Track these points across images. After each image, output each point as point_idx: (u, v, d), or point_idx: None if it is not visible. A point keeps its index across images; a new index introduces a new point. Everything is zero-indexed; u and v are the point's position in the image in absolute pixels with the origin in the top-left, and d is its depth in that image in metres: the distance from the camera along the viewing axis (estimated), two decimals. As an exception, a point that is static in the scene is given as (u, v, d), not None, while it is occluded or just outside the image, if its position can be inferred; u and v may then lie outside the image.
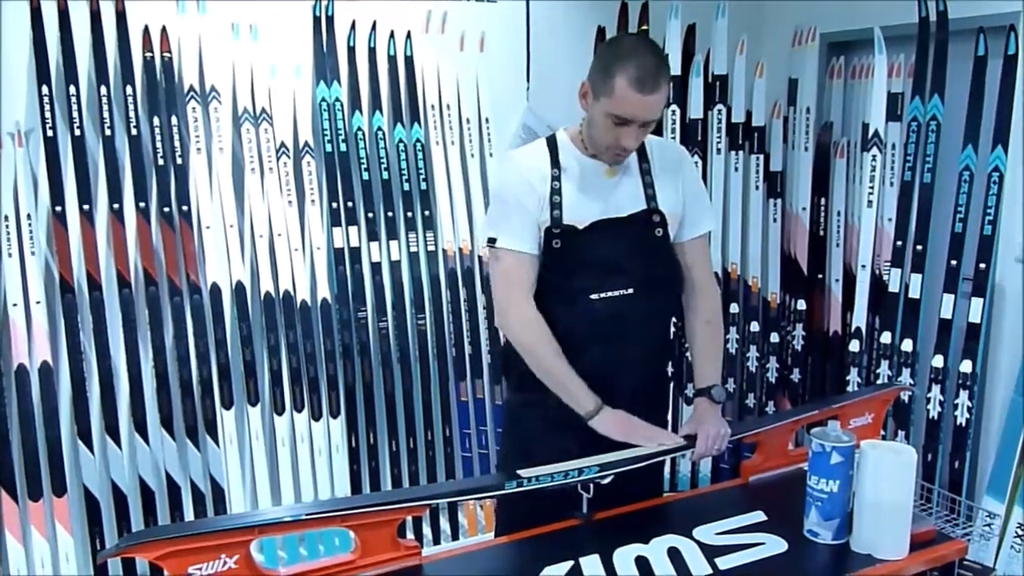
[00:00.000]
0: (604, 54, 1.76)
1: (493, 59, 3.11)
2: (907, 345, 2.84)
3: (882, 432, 2.20)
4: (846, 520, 1.66)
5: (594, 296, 1.81)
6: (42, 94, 2.44)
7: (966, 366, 2.69)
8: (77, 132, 2.50)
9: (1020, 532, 2.55)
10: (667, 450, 1.85)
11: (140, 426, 2.62)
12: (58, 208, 2.49)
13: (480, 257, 3.04)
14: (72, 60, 2.48)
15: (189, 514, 2.72)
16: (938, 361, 2.76)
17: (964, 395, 2.70)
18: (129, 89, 2.56)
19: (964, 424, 2.70)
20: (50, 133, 2.46)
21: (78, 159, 2.51)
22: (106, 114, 2.53)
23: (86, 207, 2.52)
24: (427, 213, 3.01)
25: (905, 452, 1.63)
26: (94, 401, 2.57)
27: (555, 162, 1.83)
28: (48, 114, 2.45)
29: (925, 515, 1.83)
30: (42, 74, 2.44)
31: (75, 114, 2.49)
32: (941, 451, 2.76)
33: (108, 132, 2.54)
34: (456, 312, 3.05)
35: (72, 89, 2.48)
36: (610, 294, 1.82)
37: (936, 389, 2.76)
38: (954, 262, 2.74)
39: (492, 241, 1.83)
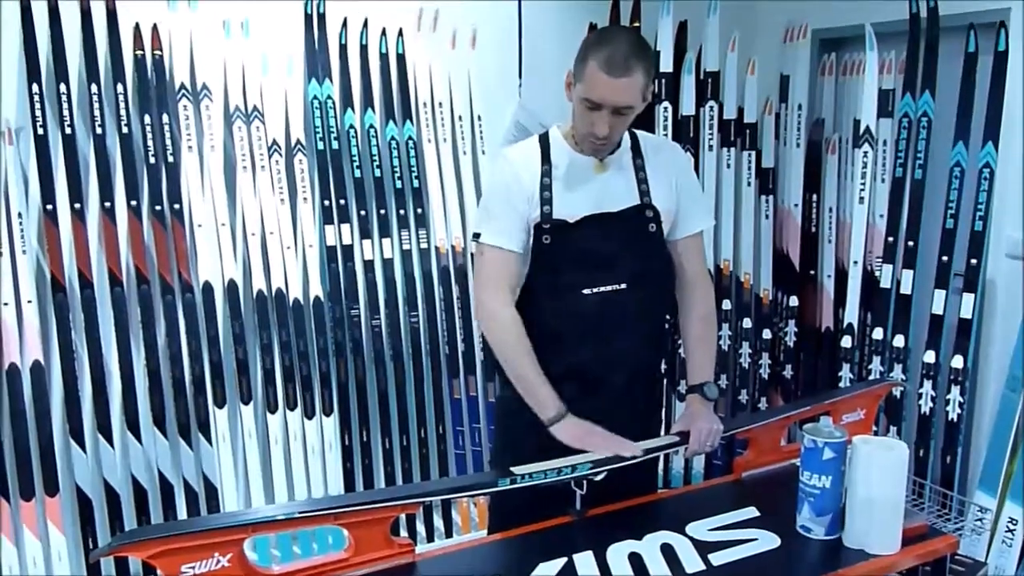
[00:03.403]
0: (585, 42, 1.77)
1: (485, 57, 3.11)
2: (899, 341, 2.85)
3: (874, 428, 2.21)
4: (838, 515, 1.67)
5: (586, 291, 1.81)
6: (32, 92, 2.43)
7: (957, 362, 2.70)
8: (68, 130, 2.49)
9: (1011, 527, 2.56)
10: (659, 447, 1.85)
11: (132, 425, 2.61)
12: (49, 207, 2.48)
13: (472, 255, 3.04)
14: (63, 58, 2.47)
15: (182, 513, 2.72)
16: (930, 357, 2.77)
17: (956, 391, 2.71)
18: (120, 87, 2.55)
19: (956, 419, 2.71)
20: (41, 131, 2.45)
21: (69, 157, 2.50)
22: (97, 112, 2.52)
23: (77, 205, 2.51)
24: (419, 211, 3.00)
25: (897, 448, 1.64)
26: (86, 400, 2.56)
27: (546, 158, 1.83)
28: (39, 112, 2.44)
29: (917, 510, 1.84)
30: (32, 72, 2.43)
31: (66, 112, 2.48)
32: (933, 446, 2.77)
33: (99, 130, 2.53)
34: (449, 310, 3.05)
35: (63, 87, 2.47)
36: (602, 289, 1.82)
37: (928, 385, 2.77)
38: (945, 258, 2.75)
39: (477, 236, 1.84)
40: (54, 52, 2.46)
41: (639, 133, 1.90)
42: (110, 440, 2.59)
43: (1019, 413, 2.59)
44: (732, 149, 3.21)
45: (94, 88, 2.52)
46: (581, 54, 1.73)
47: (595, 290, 1.81)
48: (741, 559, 1.61)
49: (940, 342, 2.76)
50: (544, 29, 3.20)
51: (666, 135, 3.16)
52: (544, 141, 1.86)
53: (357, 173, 2.90)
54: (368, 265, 2.94)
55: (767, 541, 1.67)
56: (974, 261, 2.69)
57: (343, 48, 2.88)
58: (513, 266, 1.82)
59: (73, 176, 2.51)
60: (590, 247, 1.82)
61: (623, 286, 1.83)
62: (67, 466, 2.55)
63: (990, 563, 2.54)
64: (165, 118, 2.62)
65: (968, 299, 2.70)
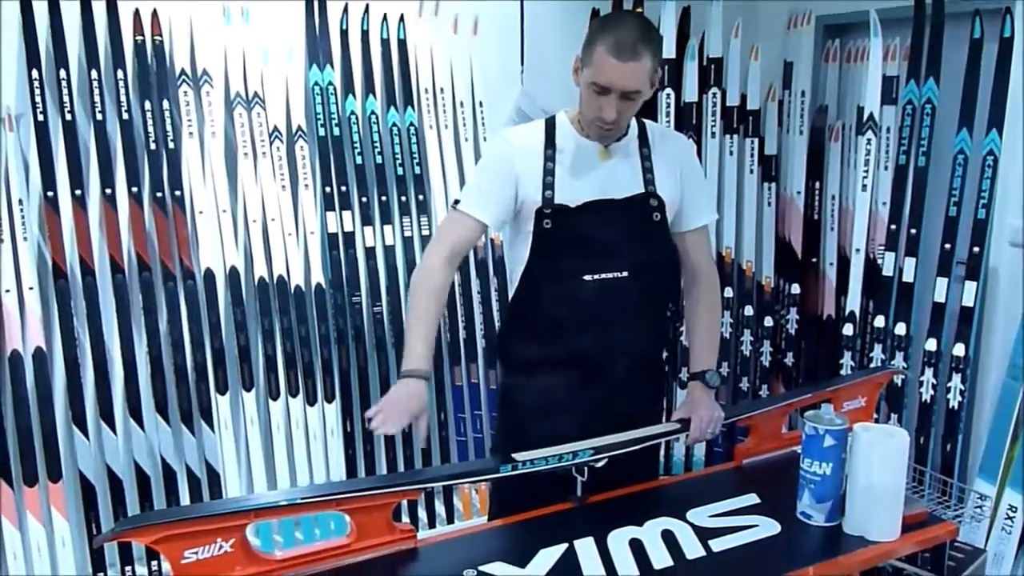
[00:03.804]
0: (592, 26, 1.78)
1: (487, 42, 3.10)
2: (900, 329, 2.85)
3: (875, 415, 2.21)
4: (839, 502, 1.67)
5: (587, 277, 1.81)
6: (32, 78, 2.43)
7: (959, 349, 2.70)
8: (68, 116, 2.48)
9: (1011, 514, 2.56)
10: (661, 433, 1.86)
11: (135, 411, 2.62)
12: (50, 193, 2.47)
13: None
14: (62, 44, 2.46)
15: (185, 499, 2.73)
16: (931, 344, 2.77)
17: (957, 378, 2.71)
18: (120, 73, 2.54)
19: (956, 407, 2.72)
20: (41, 118, 2.44)
21: (69, 144, 2.49)
22: (97, 98, 2.52)
23: (78, 192, 2.51)
24: (421, 197, 3.00)
25: (898, 435, 1.64)
26: (88, 386, 2.57)
27: (550, 142, 1.83)
28: (39, 98, 2.43)
29: (917, 497, 1.85)
30: (32, 58, 2.42)
31: (66, 98, 2.47)
32: (933, 434, 2.78)
33: (99, 116, 2.52)
34: (450, 297, 3.05)
35: (63, 73, 2.46)
36: (603, 276, 1.81)
37: (929, 372, 2.77)
38: (948, 246, 2.75)
39: (456, 203, 1.85)
40: (54, 38, 2.46)
41: (647, 122, 1.90)
42: (112, 426, 2.59)
43: (1020, 401, 2.59)
44: (735, 136, 3.20)
45: (94, 74, 2.51)
46: (589, 38, 1.72)
47: (596, 277, 1.81)
48: (741, 545, 1.61)
49: (942, 330, 2.76)
50: (546, 15, 3.18)
51: (668, 122, 3.15)
52: (550, 125, 1.86)
53: (358, 159, 2.90)
54: (370, 252, 2.93)
55: (767, 528, 1.67)
56: (976, 249, 2.68)
57: (344, 34, 2.87)
58: (468, 233, 1.83)
59: (74, 162, 2.50)
60: (591, 233, 1.81)
61: (624, 274, 1.82)
62: (70, 452, 2.56)
63: (989, 550, 2.54)
64: (165, 104, 2.62)
65: (970, 287, 2.69)
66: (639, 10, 3.13)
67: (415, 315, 1.80)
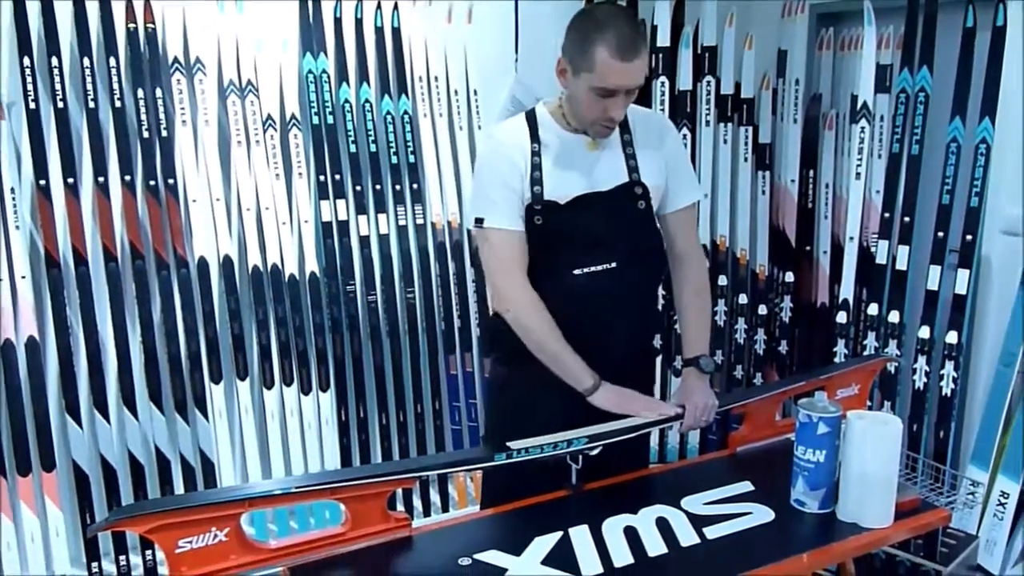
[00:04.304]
0: (578, 28, 1.72)
1: (481, 31, 3.09)
2: (894, 316, 2.86)
3: (868, 403, 2.22)
4: (832, 490, 1.68)
5: (577, 271, 1.80)
6: (24, 66, 2.41)
7: (952, 337, 2.71)
8: (60, 104, 2.47)
9: (1003, 500, 2.58)
10: (655, 421, 1.86)
11: (128, 401, 2.61)
12: (42, 182, 2.46)
13: (469, 231, 3.03)
14: (54, 31, 2.44)
15: (179, 488, 2.73)
16: (924, 332, 2.78)
17: (950, 366, 2.73)
18: (113, 61, 2.52)
19: (949, 394, 2.73)
20: (33, 106, 2.43)
21: (62, 132, 2.48)
22: (89, 86, 2.50)
23: (71, 180, 2.50)
24: (415, 186, 2.99)
25: (891, 422, 1.65)
26: (82, 376, 2.56)
27: (535, 137, 1.81)
28: (30, 86, 2.42)
29: (910, 484, 1.86)
30: (23, 46, 2.41)
31: (58, 86, 2.46)
32: (926, 421, 2.79)
33: (92, 104, 2.51)
34: (445, 285, 3.04)
35: (55, 61, 2.45)
36: (593, 268, 1.81)
37: (922, 360, 2.79)
38: (941, 234, 2.76)
39: (480, 222, 1.80)
40: (45, 25, 2.44)
41: None
42: (106, 416, 2.59)
43: (1012, 388, 2.60)
44: (729, 124, 3.20)
45: (86, 62, 2.49)
46: (580, 41, 1.68)
47: (585, 270, 1.81)
48: (735, 533, 1.62)
49: (935, 318, 2.77)
50: (540, 3, 3.17)
51: (663, 110, 3.15)
52: (531, 119, 1.84)
53: (352, 148, 2.89)
54: (364, 241, 2.93)
55: (761, 515, 1.68)
56: (969, 237, 2.69)
57: (338, 22, 2.86)
58: (521, 245, 1.80)
59: (66, 151, 2.49)
60: (580, 227, 1.81)
61: (613, 265, 1.82)
62: (63, 442, 2.56)
63: (981, 536, 2.56)
64: (159, 92, 2.60)
65: (963, 275, 2.70)
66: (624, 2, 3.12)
67: (554, 345, 1.79)
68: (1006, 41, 2.60)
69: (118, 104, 2.55)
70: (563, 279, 1.81)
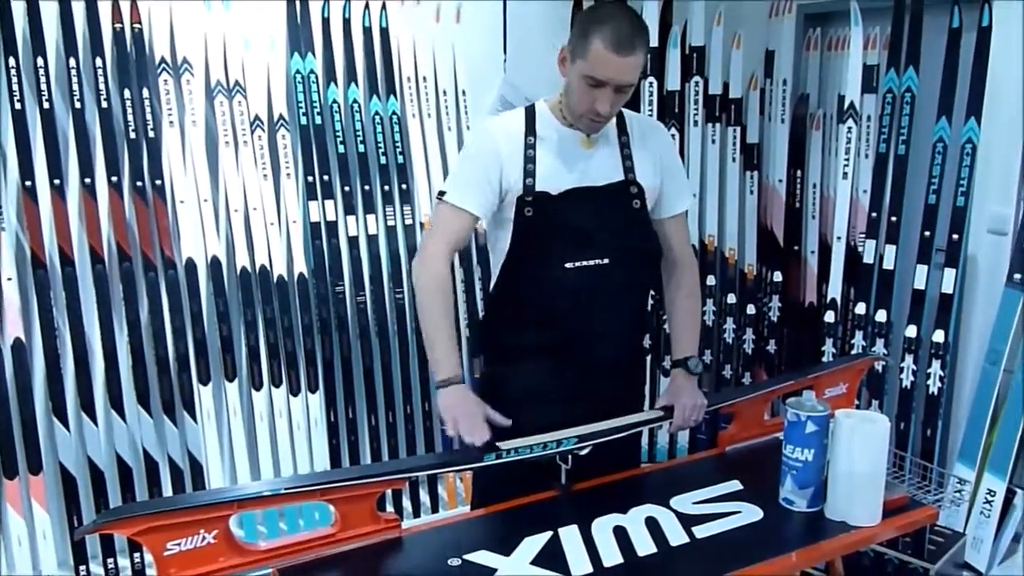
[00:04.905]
0: (583, 19, 1.76)
1: (470, 31, 3.09)
2: (881, 315, 2.87)
3: (856, 401, 2.23)
4: (821, 488, 1.69)
5: (568, 265, 1.81)
6: (8, 66, 2.39)
7: (939, 336, 2.73)
8: (46, 105, 2.45)
9: (990, 498, 2.60)
10: (645, 421, 1.87)
11: (116, 403, 2.60)
12: (28, 183, 2.44)
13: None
14: (39, 31, 2.43)
15: (167, 490, 2.71)
16: (911, 331, 2.80)
17: (936, 364, 2.74)
18: (99, 61, 2.51)
19: (936, 393, 2.75)
20: (18, 106, 2.41)
21: (47, 133, 2.47)
22: (75, 87, 2.49)
23: (57, 182, 2.48)
24: (404, 186, 2.99)
25: (878, 421, 1.66)
26: (69, 378, 2.55)
27: (531, 130, 1.82)
28: (15, 87, 2.40)
29: (898, 482, 1.86)
30: (8, 46, 2.39)
31: (43, 87, 2.44)
32: (914, 419, 2.81)
33: (78, 105, 2.50)
34: (434, 286, 3.03)
35: (40, 61, 2.43)
36: (585, 263, 1.81)
37: (909, 359, 2.80)
38: (927, 233, 2.77)
39: (441, 194, 1.83)
40: (30, 25, 2.42)
41: (623, 110, 1.90)
42: (94, 418, 2.57)
43: (998, 386, 2.62)
44: (717, 125, 3.21)
45: (72, 62, 2.48)
46: (581, 30, 1.71)
47: (577, 264, 1.81)
48: (725, 532, 1.63)
49: (922, 317, 2.79)
50: (529, 3, 3.17)
51: (651, 111, 3.15)
52: (530, 113, 1.85)
53: (341, 148, 2.88)
54: (353, 241, 2.92)
55: (750, 514, 1.69)
56: (956, 236, 2.71)
57: (326, 22, 2.85)
58: (464, 227, 1.82)
59: (52, 152, 2.47)
60: (572, 221, 1.81)
61: (605, 261, 1.82)
62: (50, 444, 2.54)
63: (968, 534, 2.58)
64: (145, 93, 2.59)
65: (949, 274, 2.72)
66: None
67: (434, 319, 1.79)
68: (991, 41, 2.62)
69: (104, 105, 2.53)
70: (555, 272, 1.81)
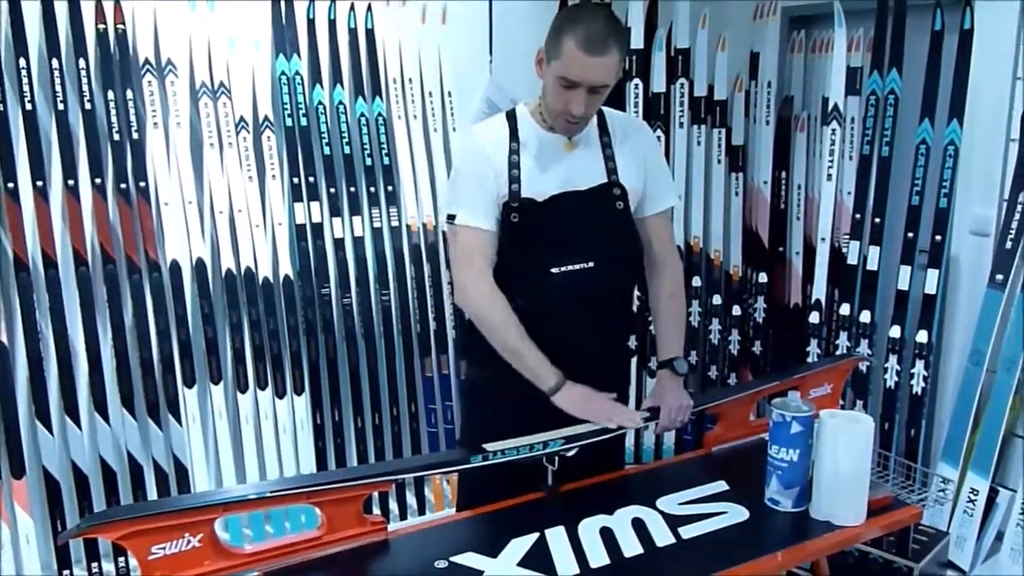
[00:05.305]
0: (558, 19, 1.75)
1: (456, 32, 3.09)
2: (865, 316, 2.89)
3: (841, 402, 2.24)
4: (806, 488, 1.70)
5: (554, 270, 1.81)
6: (-9, 67, 2.38)
7: (922, 336, 2.75)
8: (28, 106, 2.43)
9: (973, 497, 2.62)
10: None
11: (100, 406, 2.58)
12: (10, 185, 2.42)
13: (444, 232, 3.03)
14: (22, 32, 2.41)
15: (152, 494, 2.70)
16: (895, 332, 2.81)
17: (920, 365, 2.76)
18: (82, 62, 2.49)
19: (920, 393, 2.76)
20: (0, 107, 2.39)
21: (30, 134, 2.45)
22: (58, 88, 2.47)
23: (40, 183, 2.46)
24: (390, 188, 2.98)
25: (863, 421, 1.67)
26: (52, 381, 2.53)
27: (514, 135, 1.82)
28: (-3, 88, 2.39)
29: (882, 482, 1.88)
30: (-10, 46, 2.38)
31: (26, 88, 2.42)
32: (898, 420, 2.83)
33: (61, 106, 2.48)
34: (420, 288, 3.04)
35: (22, 62, 2.41)
36: (570, 268, 1.81)
37: (893, 359, 2.82)
38: (911, 234, 2.79)
39: (452, 218, 1.82)
40: (12, 26, 2.40)
41: (605, 110, 1.90)
42: (77, 422, 2.55)
43: (981, 386, 2.64)
44: (702, 126, 3.22)
45: (55, 63, 2.46)
46: (555, 31, 1.71)
47: (562, 269, 1.81)
48: (711, 532, 1.63)
49: (905, 317, 2.81)
50: (515, 4, 3.18)
51: (637, 112, 3.16)
52: (511, 118, 1.85)
53: (326, 150, 2.87)
54: (338, 243, 2.91)
55: (736, 514, 1.69)
56: (939, 237, 2.73)
57: (311, 23, 2.84)
58: (489, 244, 1.81)
59: (35, 153, 2.45)
60: (558, 226, 1.81)
61: (590, 264, 1.83)
62: (34, 448, 2.52)
63: (952, 533, 2.60)
64: (129, 94, 2.58)
65: (933, 275, 2.74)
66: (607, 0, 3.13)
67: (510, 336, 1.78)
68: (973, 44, 2.64)
69: (88, 106, 2.52)
70: (541, 278, 1.81)
